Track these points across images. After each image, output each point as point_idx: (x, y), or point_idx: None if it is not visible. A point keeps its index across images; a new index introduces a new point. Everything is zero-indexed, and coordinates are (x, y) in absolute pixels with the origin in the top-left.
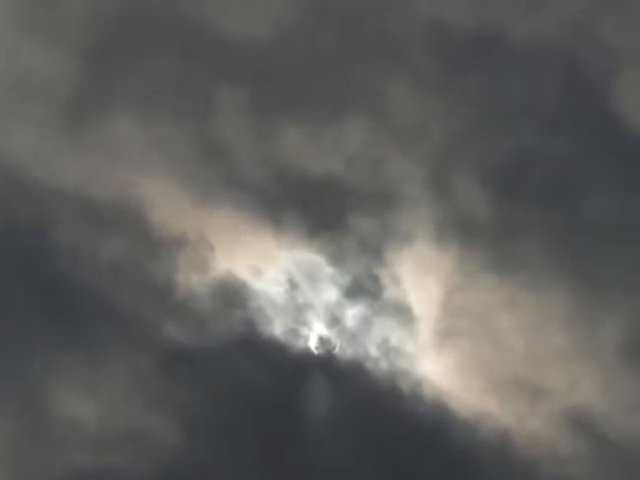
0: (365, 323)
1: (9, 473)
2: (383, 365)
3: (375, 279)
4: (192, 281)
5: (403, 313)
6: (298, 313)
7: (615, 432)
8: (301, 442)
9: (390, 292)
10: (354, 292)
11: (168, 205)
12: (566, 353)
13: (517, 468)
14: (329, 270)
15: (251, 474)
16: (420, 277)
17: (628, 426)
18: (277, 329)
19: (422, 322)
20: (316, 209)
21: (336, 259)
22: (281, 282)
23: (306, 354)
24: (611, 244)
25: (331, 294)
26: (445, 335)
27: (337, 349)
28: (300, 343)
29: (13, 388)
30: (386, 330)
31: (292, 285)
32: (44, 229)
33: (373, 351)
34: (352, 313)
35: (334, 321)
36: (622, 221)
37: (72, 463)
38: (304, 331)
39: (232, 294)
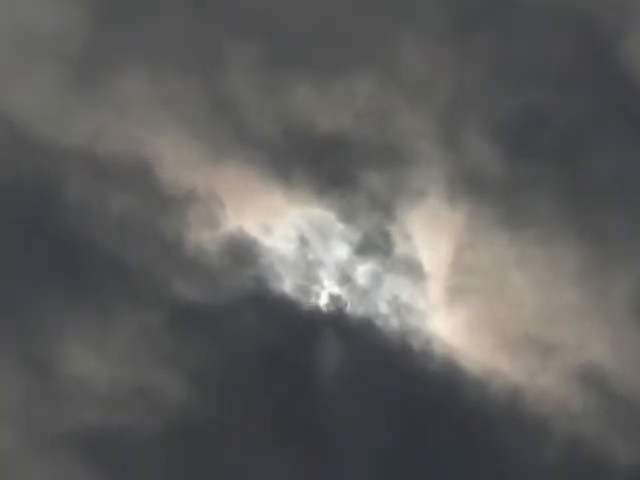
0: (375, 280)
1: (18, 431)
2: (393, 322)
3: (386, 236)
4: (202, 238)
5: (414, 270)
6: (308, 270)
7: (626, 388)
8: (311, 399)
9: (400, 249)
10: (364, 249)
11: (177, 161)
12: (577, 309)
13: (527, 425)
14: (339, 227)
15: (261, 431)
16: (431, 234)
17: (639, 382)
18: (287, 286)
19: (433, 279)
20: (326, 165)
21: (346, 216)
22: (291, 239)
23: (316, 311)
24: (622, 200)
25: (341, 251)
26: (456, 292)
27: (348, 306)
28: (310, 300)
29: (22, 346)
30: (397, 287)
31: (302, 242)
32: (53, 186)
33: (384, 308)
34: (362, 270)
35: (344, 278)
36: (633, 177)
37: (81, 420)
38: (314, 288)
39: (242, 251)
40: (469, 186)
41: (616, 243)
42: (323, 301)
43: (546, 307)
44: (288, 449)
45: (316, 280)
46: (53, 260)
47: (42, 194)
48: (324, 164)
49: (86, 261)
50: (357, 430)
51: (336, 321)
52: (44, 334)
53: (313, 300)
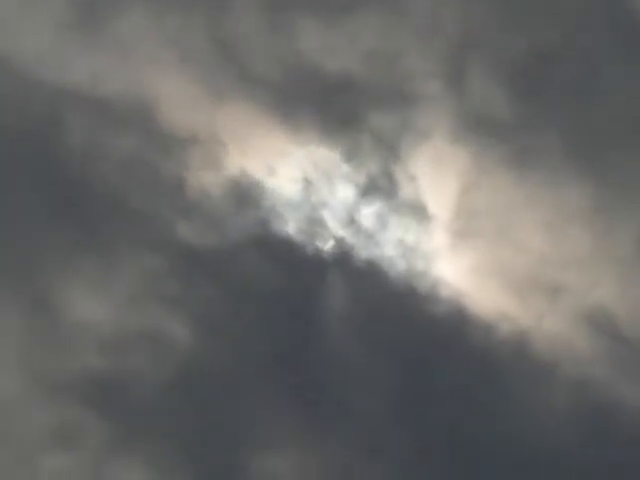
0: (380, 222)
1: (22, 377)
2: (399, 265)
3: (390, 177)
4: (205, 180)
5: (419, 212)
6: (313, 212)
7: (635, 331)
8: (316, 342)
9: (406, 191)
10: (369, 190)
11: (179, 103)
12: (585, 251)
13: (535, 369)
14: (344, 168)
15: (266, 375)
16: (436, 175)
17: None
18: (291, 228)
19: (438, 221)
20: (331, 106)
21: (351, 156)
22: (295, 180)
23: (321, 254)
24: (632, 141)
25: (346, 192)
26: (462, 235)
27: (352, 248)
28: (315, 242)
29: (25, 291)
30: (402, 230)
31: (307, 183)
32: (53, 129)
33: (389, 251)
34: (367, 212)
35: (349, 220)
36: None
37: (85, 366)
38: (319, 230)
39: (245, 193)
40: (476, 127)
41: (625, 184)
42: (328, 243)
43: (554, 249)
44: (293, 392)
45: (320, 222)
46: (55, 203)
47: (42, 136)
48: (329, 105)
49: (88, 204)
50: (363, 374)
51: (341, 263)
52: (46, 279)
53: (317, 242)
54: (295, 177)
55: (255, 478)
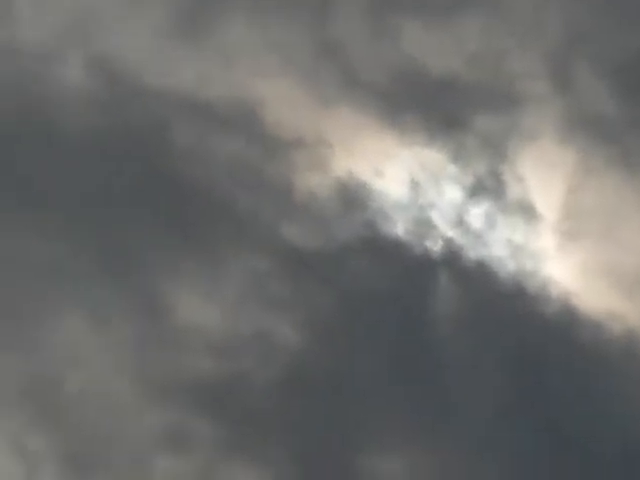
0: (488, 223)
1: (131, 381)
2: (508, 265)
3: (498, 178)
4: (311, 182)
5: (527, 212)
6: (420, 213)
7: None
8: (427, 344)
9: (513, 191)
10: (477, 191)
11: (285, 106)
12: None
13: None
14: (451, 169)
15: (376, 377)
16: (544, 175)
17: None
18: (399, 230)
19: (546, 221)
20: (437, 107)
21: (458, 157)
22: (403, 182)
23: (429, 255)
24: None
25: (454, 193)
26: (570, 234)
27: (461, 249)
28: (423, 244)
29: (133, 295)
30: (510, 230)
31: (414, 185)
32: (159, 133)
33: (497, 251)
34: (475, 212)
35: (457, 221)
36: None
37: (195, 369)
38: (427, 231)
39: (352, 195)
40: (582, 126)
41: None
42: (436, 244)
43: None
44: (405, 394)
45: (428, 223)
46: (161, 207)
47: (148, 141)
48: (434, 106)
49: (195, 207)
50: (471, 375)
51: (449, 264)
52: (154, 282)
53: (426, 243)
54: (402, 179)
55: (366, 478)
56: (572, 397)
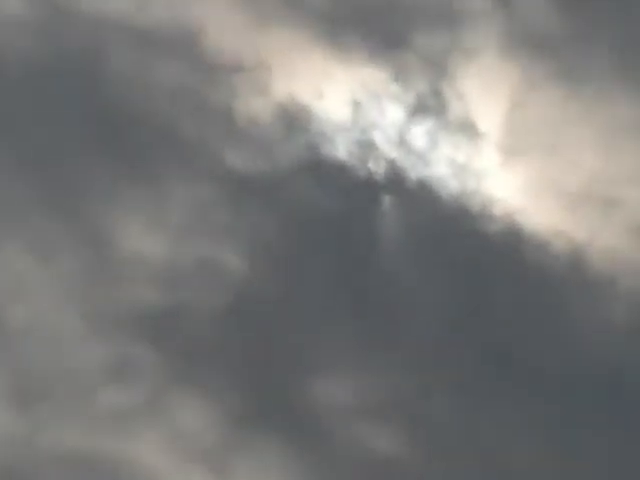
0: (431, 141)
1: (77, 312)
2: (451, 185)
3: (440, 95)
4: (252, 106)
5: (469, 130)
6: (362, 135)
7: None
8: (371, 266)
9: (455, 109)
10: (418, 110)
11: (223, 28)
12: (637, 164)
13: (593, 284)
14: (393, 88)
15: (320, 300)
16: (486, 92)
17: None
18: (342, 152)
19: (489, 139)
20: (377, 26)
21: (399, 77)
22: (344, 103)
23: (372, 176)
24: None
25: (395, 113)
26: (513, 151)
27: (404, 170)
28: (366, 166)
29: (75, 226)
30: (452, 149)
31: (355, 106)
32: (97, 58)
33: (440, 171)
34: (417, 132)
35: (399, 141)
36: None
37: (139, 299)
38: (369, 153)
39: (294, 118)
40: (524, 41)
41: None
42: (378, 166)
43: (606, 164)
44: (348, 317)
45: (371, 144)
46: (101, 136)
47: (86, 67)
48: (375, 25)
49: (135, 135)
50: (417, 296)
51: (392, 186)
52: (96, 212)
53: (368, 165)
54: (343, 100)
55: (313, 402)
56: (518, 316)
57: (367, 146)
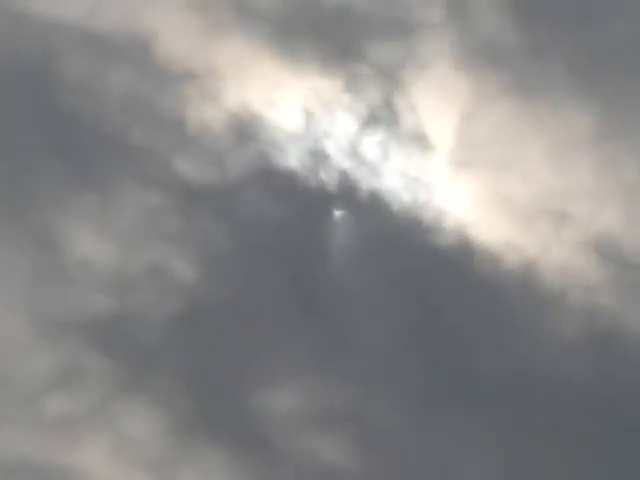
0: (383, 153)
1: (24, 318)
2: (402, 197)
3: (392, 107)
4: (204, 115)
5: (421, 142)
6: (314, 144)
7: None
8: (321, 277)
9: (408, 120)
10: (371, 121)
11: (175, 35)
12: (590, 179)
13: (544, 297)
14: (345, 99)
15: (270, 311)
16: (438, 104)
17: None
18: (293, 162)
19: (441, 151)
20: (331, 36)
21: (352, 87)
22: (296, 112)
23: (324, 187)
24: (637, 66)
25: (348, 124)
26: (465, 164)
27: (356, 180)
28: (317, 176)
29: (24, 230)
30: (404, 161)
31: (307, 115)
32: (48, 63)
33: (392, 183)
34: (369, 143)
35: (352, 152)
36: None
37: (88, 305)
38: (321, 163)
39: (245, 127)
40: (477, 54)
41: (631, 111)
42: (330, 176)
43: (559, 177)
44: (299, 328)
45: (322, 154)
46: (51, 141)
47: (37, 72)
48: (328, 35)
49: (85, 141)
50: (366, 308)
51: (344, 196)
52: (45, 218)
53: (320, 175)
54: (295, 109)
55: (261, 411)
56: (469, 328)
57: (319, 156)
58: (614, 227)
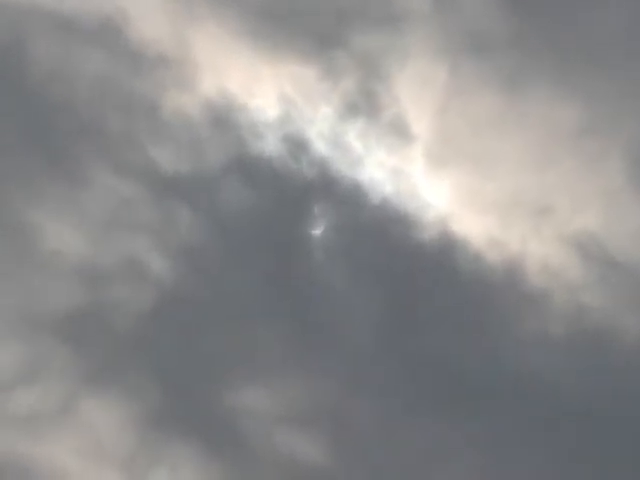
0: (362, 143)
1: None
2: (382, 188)
3: (373, 97)
4: (179, 101)
5: (402, 133)
6: (293, 132)
7: (624, 256)
8: (299, 269)
9: (389, 111)
10: (351, 111)
11: (150, 20)
12: (573, 174)
13: (528, 296)
14: (325, 87)
15: (247, 304)
16: (421, 95)
17: (636, 250)
18: (271, 150)
19: (421, 143)
20: (311, 25)
21: (332, 75)
22: (275, 101)
23: (303, 175)
24: (622, 57)
25: (327, 113)
26: (445, 157)
27: (334, 169)
28: (296, 164)
29: None
30: (385, 151)
31: (286, 103)
32: (18, 47)
33: (372, 173)
34: (349, 133)
35: (331, 141)
36: (634, 33)
37: (61, 297)
38: (300, 151)
39: (222, 114)
40: (461, 45)
41: (616, 104)
42: (308, 164)
43: (541, 172)
44: (276, 322)
45: (301, 143)
46: (22, 127)
47: (9, 59)
48: (308, 24)
49: (56, 128)
50: (346, 302)
51: (323, 185)
52: (17, 207)
53: (298, 163)
54: (274, 97)
55: (234, 407)
56: (451, 325)
57: (297, 144)
58: (597, 224)
